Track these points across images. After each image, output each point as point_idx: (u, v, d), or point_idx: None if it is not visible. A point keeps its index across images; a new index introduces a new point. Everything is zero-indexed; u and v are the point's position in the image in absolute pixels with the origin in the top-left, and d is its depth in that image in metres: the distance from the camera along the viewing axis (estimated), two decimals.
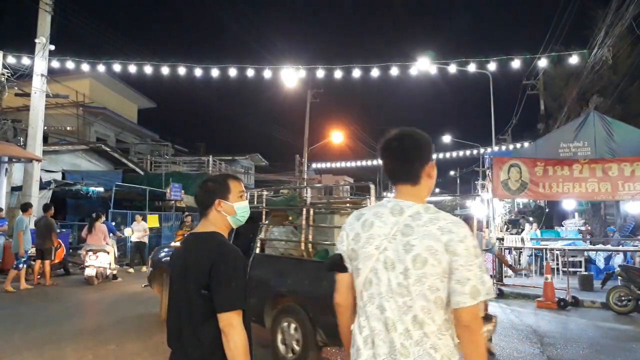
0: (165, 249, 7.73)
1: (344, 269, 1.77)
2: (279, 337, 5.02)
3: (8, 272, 9.77)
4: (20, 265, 9.59)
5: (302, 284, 4.94)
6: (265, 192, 6.40)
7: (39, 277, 10.25)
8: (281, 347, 4.99)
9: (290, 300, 5.00)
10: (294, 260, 5.40)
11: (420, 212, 1.66)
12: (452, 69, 15.19)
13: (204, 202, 2.05)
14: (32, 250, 10.16)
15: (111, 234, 11.96)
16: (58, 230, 12.32)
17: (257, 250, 5.66)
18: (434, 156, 1.81)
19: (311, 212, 5.49)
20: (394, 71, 14.77)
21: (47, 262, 10.32)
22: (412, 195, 1.72)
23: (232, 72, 14.92)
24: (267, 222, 5.85)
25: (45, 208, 10.77)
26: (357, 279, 1.71)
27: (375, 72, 14.78)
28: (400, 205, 1.70)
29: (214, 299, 1.82)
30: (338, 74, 14.95)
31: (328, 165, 38.86)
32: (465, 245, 1.58)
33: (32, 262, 10.36)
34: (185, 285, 1.91)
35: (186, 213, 16.37)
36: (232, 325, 1.80)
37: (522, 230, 14.75)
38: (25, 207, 10.21)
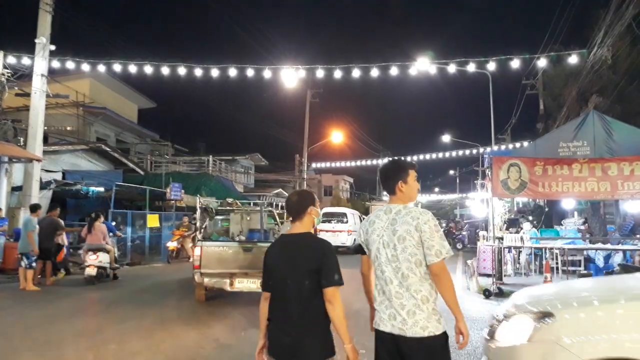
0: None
1: (364, 252, 2.85)
2: None
3: (17, 273, 9.81)
4: (34, 264, 9.65)
5: None
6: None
7: (39, 276, 10.27)
8: None
9: None
10: None
11: (401, 210, 2.69)
12: (452, 68, 15.21)
13: (299, 210, 2.76)
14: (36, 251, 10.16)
15: (111, 234, 11.98)
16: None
17: None
18: (410, 175, 2.77)
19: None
20: (394, 71, 14.78)
21: (49, 263, 10.35)
22: (396, 200, 2.78)
23: (232, 72, 14.93)
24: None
25: (50, 208, 10.87)
26: (370, 256, 2.77)
27: (375, 72, 14.79)
28: (390, 208, 2.75)
29: (322, 279, 2.56)
30: (338, 74, 14.97)
31: (328, 165, 38.85)
32: (428, 225, 2.57)
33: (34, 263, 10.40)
34: (294, 270, 2.62)
35: (192, 214, 16.22)
36: (336, 297, 2.57)
37: (521, 229, 14.76)
38: (35, 208, 10.25)
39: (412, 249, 2.56)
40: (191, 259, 14.83)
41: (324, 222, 21.38)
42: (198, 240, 8.59)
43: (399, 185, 2.75)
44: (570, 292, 3.68)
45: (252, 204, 13.74)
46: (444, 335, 2.53)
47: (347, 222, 21.41)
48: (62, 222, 10.91)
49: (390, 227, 2.64)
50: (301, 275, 2.60)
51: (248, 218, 11.05)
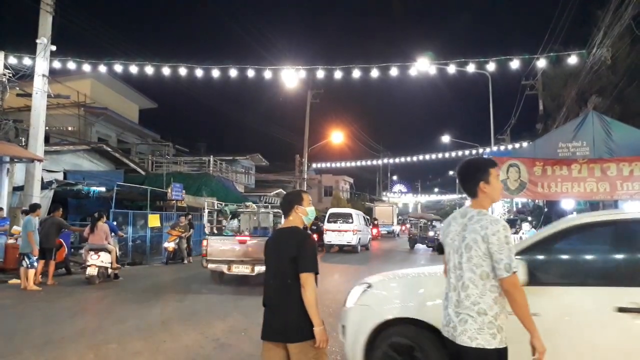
0: None
1: (443, 252, 2.82)
2: None
3: (18, 273, 9.86)
4: (35, 264, 9.70)
5: None
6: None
7: (40, 276, 10.31)
8: None
9: None
10: None
11: (474, 216, 2.55)
12: (452, 69, 15.25)
13: (287, 208, 3.17)
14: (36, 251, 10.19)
15: (113, 234, 12.02)
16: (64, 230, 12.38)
17: None
18: (491, 174, 2.60)
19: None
20: (394, 71, 14.82)
21: (51, 262, 10.39)
22: (476, 203, 2.63)
23: (233, 72, 14.98)
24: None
25: (54, 209, 10.94)
26: (446, 257, 2.71)
27: (375, 73, 14.83)
28: (466, 211, 2.65)
29: (298, 265, 2.90)
30: (338, 74, 15.01)
31: (328, 165, 38.90)
32: (497, 237, 2.41)
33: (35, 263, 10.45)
34: (279, 259, 3.01)
35: (187, 214, 16.38)
36: (308, 282, 2.88)
37: (520, 229, 14.77)
38: (34, 208, 10.29)
39: (477, 260, 2.45)
40: (185, 261, 15.26)
41: (330, 222, 21.92)
42: (206, 235, 11.02)
43: (481, 186, 2.59)
44: (400, 271, 4.69)
45: (253, 205, 14.34)
46: (496, 352, 2.41)
47: (352, 222, 21.79)
48: (63, 220, 10.95)
49: (461, 233, 2.57)
50: (284, 262, 2.96)
51: (255, 218, 13.22)
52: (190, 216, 16.32)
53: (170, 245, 15.32)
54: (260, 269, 9.38)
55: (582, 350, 2.90)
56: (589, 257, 3.82)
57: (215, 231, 12.51)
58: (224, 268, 10.06)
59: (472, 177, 2.63)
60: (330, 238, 21.30)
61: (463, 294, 2.48)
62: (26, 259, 9.60)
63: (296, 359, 2.87)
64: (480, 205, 2.59)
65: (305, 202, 3.19)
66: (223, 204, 13.80)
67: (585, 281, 3.43)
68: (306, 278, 2.88)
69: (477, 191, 2.60)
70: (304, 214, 3.17)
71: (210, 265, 10.17)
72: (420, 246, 25.08)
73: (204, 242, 10.51)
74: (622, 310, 3.03)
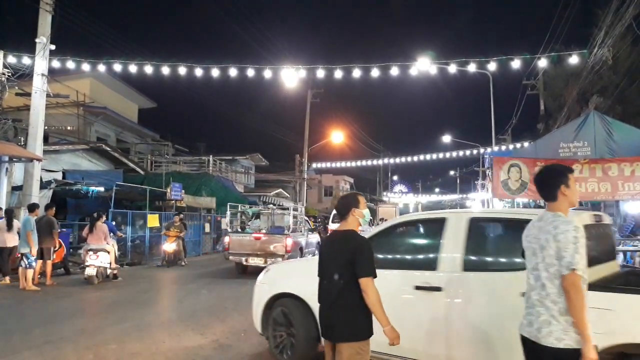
0: None
1: (524, 257, 2.84)
2: None
3: (17, 273, 9.79)
4: (33, 264, 9.65)
5: None
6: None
7: (39, 276, 10.27)
8: None
9: None
10: None
11: (549, 218, 2.67)
12: (452, 69, 15.21)
13: (343, 211, 3.25)
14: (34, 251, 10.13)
15: (112, 234, 11.97)
16: (59, 230, 12.31)
17: None
18: (570, 179, 2.72)
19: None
20: (394, 71, 14.78)
21: (48, 262, 10.34)
22: (552, 207, 2.73)
23: (233, 72, 14.93)
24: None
25: (47, 207, 10.85)
26: (526, 260, 2.78)
27: (375, 72, 14.79)
28: (543, 214, 2.74)
29: (356, 270, 2.99)
30: (338, 73, 14.96)
31: (328, 165, 38.85)
32: (565, 235, 2.50)
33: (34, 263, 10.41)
34: (334, 260, 3.13)
35: (179, 213, 16.10)
36: (368, 286, 2.98)
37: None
38: (33, 208, 10.24)
39: (550, 259, 2.55)
40: (183, 263, 15.01)
41: (334, 222, 22.71)
42: (228, 232, 13.83)
43: (562, 189, 2.70)
44: (292, 260, 6.32)
45: (272, 207, 16.62)
46: (579, 351, 2.42)
47: None
48: (56, 221, 10.85)
49: (537, 235, 2.68)
50: (339, 264, 3.08)
51: (272, 218, 14.63)
52: (182, 215, 15.73)
53: (171, 247, 14.63)
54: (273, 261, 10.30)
55: (393, 320, 3.25)
56: (400, 247, 5.03)
57: (238, 229, 14.65)
58: (242, 260, 12.11)
59: (553, 181, 2.74)
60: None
61: (543, 292, 2.57)
62: (25, 259, 9.56)
63: (338, 358, 3.03)
64: (558, 208, 2.71)
65: (362, 204, 3.26)
66: (247, 206, 16.48)
67: (395, 266, 4.56)
68: (366, 282, 2.98)
69: (558, 194, 2.71)
70: (361, 216, 3.23)
71: (232, 257, 12.30)
72: None
73: (226, 239, 12.76)
74: (418, 288, 4.10)
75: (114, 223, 13.69)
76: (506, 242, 4.33)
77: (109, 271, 10.90)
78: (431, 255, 4.25)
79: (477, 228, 4.21)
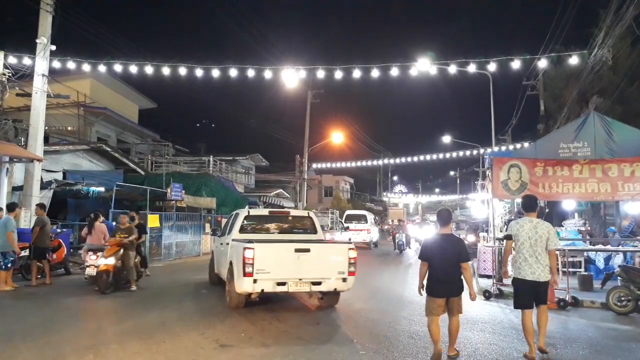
0: None
1: (510, 238, 5.82)
2: None
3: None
4: (10, 265, 9.52)
5: None
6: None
7: (38, 276, 10.27)
8: None
9: None
10: None
11: (539, 221, 5.72)
12: (452, 69, 15.19)
13: (448, 220, 5.63)
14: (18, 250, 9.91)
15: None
16: (59, 230, 12.29)
17: None
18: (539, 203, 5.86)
19: None
20: (394, 72, 14.78)
21: (45, 262, 10.33)
22: (534, 215, 5.86)
23: (233, 72, 14.94)
24: None
25: (39, 208, 10.88)
26: (517, 242, 5.68)
27: (375, 73, 14.79)
28: (531, 219, 5.75)
29: (460, 258, 5.30)
30: (338, 74, 14.97)
31: (328, 165, 38.84)
32: (553, 230, 5.70)
33: (29, 262, 10.41)
34: (445, 253, 5.31)
35: (131, 211, 12.54)
36: (466, 268, 5.33)
37: None
38: (12, 207, 10.18)
39: (542, 241, 5.53)
40: (133, 288, 9.67)
41: (347, 221, 24.53)
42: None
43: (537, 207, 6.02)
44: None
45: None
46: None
47: (366, 222, 25.08)
48: (48, 220, 10.83)
49: (533, 229, 5.59)
50: (451, 255, 5.30)
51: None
52: (136, 214, 12.03)
53: (106, 262, 9.28)
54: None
55: None
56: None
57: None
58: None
59: (536, 204, 5.98)
60: (347, 236, 22.45)
61: (540, 257, 5.51)
62: (1, 259, 9.41)
63: (455, 304, 5.26)
64: (537, 216, 5.84)
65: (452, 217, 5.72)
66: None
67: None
68: (465, 266, 5.30)
69: (536, 209, 5.92)
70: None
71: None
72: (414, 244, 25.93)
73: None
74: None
75: (113, 223, 13.66)
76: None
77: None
78: None
79: None
